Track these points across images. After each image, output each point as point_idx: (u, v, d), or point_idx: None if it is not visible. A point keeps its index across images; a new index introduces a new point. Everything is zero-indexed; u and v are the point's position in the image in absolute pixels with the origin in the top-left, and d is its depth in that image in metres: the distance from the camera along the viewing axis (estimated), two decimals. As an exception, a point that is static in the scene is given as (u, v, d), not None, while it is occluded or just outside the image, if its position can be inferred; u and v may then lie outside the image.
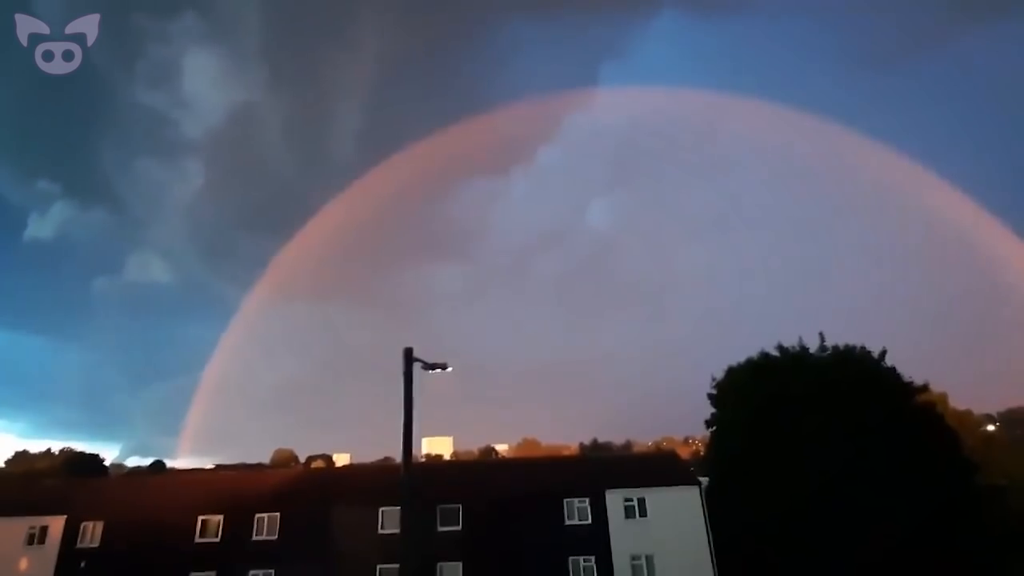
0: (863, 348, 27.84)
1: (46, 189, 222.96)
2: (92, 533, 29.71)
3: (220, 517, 29.75)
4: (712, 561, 28.02)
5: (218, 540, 29.31)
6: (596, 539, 28.85)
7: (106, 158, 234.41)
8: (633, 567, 28.40)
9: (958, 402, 39.73)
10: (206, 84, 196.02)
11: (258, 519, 29.61)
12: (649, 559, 28.44)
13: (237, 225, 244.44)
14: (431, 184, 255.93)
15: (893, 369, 27.24)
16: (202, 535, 29.43)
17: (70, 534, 29.64)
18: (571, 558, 28.57)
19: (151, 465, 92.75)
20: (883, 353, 27.51)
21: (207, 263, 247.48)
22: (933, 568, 23.12)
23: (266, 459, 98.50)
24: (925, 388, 27.66)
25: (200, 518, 29.68)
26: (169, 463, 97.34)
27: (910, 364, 27.70)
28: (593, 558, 28.56)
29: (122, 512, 30.51)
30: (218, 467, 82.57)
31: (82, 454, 68.75)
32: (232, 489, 33.74)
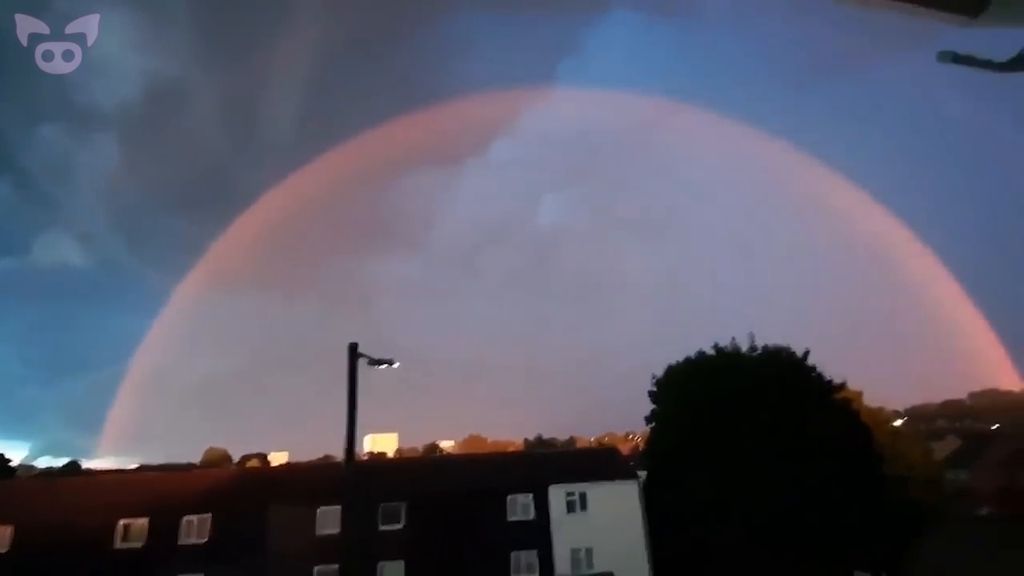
0: (788, 348, 29.74)
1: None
2: (0, 538, 27.31)
3: (145, 520, 28.03)
4: (647, 550, 29.11)
5: (141, 545, 27.64)
6: (539, 533, 29.31)
7: (7, 126, 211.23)
8: (573, 560, 29.07)
9: (871, 399, 43.12)
10: (122, 48, 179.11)
11: (187, 521, 28.13)
12: (589, 551, 29.19)
13: (165, 208, 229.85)
14: (379, 174, 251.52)
15: (815, 368, 29.26)
16: (124, 539, 27.64)
17: (-29, 541, 27.09)
18: (513, 553, 28.90)
19: (65, 466, 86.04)
20: (806, 353, 29.50)
21: (130, 247, 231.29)
22: (845, 549, 25.12)
23: (196, 459, 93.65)
24: (843, 386, 29.86)
25: (122, 521, 27.85)
26: (86, 463, 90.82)
27: (830, 363, 29.91)
28: (535, 552, 29.01)
29: (35, 515, 28.18)
30: (142, 467, 77.73)
31: (-15, 454, 62.75)
32: (158, 490, 31.87)
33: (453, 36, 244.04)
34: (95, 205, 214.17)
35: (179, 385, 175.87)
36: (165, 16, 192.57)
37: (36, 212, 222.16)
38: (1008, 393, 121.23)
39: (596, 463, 35.42)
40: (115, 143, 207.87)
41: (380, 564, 27.87)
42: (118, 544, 27.52)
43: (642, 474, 31.69)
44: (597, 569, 28.69)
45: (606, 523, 29.49)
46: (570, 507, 29.96)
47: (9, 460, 63.31)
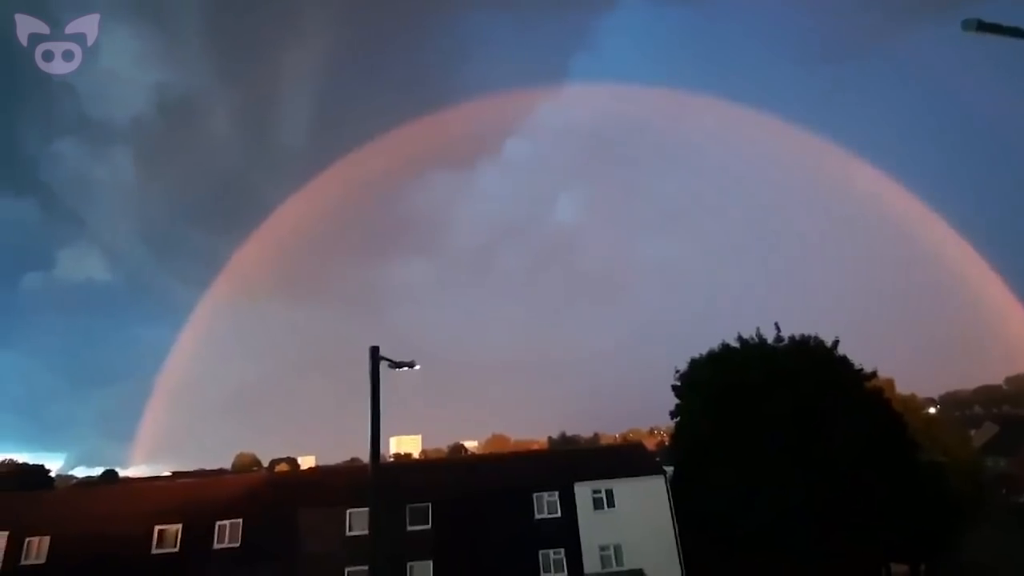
0: (817, 338, 29.01)
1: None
2: (37, 549, 28.14)
3: (179, 526, 28.65)
4: (677, 546, 28.76)
5: (177, 550, 28.25)
6: (565, 532, 29.16)
7: (29, 143, 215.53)
8: (602, 558, 28.85)
9: (903, 387, 41.89)
10: (135, 60, 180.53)
11: (220, 526, 28.65)
12: (617, 549, 28.95)
13: (186, 220, 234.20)
14: (395, 178, 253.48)
15: (844, 357, 28.49)
16: (159, 545, 28.29)
17: (13, 551, 27.96)
18: (541, 551, 28.80)
19: (102, 475, 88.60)
20: (836, 343, 28.74)
21: (154, 260, 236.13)
22: (878, 540, 24.48)
23: (227, 464, 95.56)
24: (874, 375, 29.04)
25: (157, 528, 28.51)
26: (122, 472, 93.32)
27: (861, 351, 29.08)
28: (563, 550, 28.87)
29: (70, 525, 29.00)
30: (175, 474, 79.51)
31: (25, 466, 65.15)
32: (191, 496, 32.56)
33: (463, 37, 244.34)
34: (117, 219, 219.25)
35: (208, 393, 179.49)
36: (177, 27, 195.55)
37: (60, 227, 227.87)
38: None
39: (622, 459, 35.13)
40: (134, 156, 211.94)
41: (409, 564, 28.05)
42: (154, 550, 28.19)
43: (668, 469, 31.31)
44: (627, 566, 28.45)
45: (634, 519, 29.22)
46: (597, 504, 29.74)
47: (48, 471, 65.55)
